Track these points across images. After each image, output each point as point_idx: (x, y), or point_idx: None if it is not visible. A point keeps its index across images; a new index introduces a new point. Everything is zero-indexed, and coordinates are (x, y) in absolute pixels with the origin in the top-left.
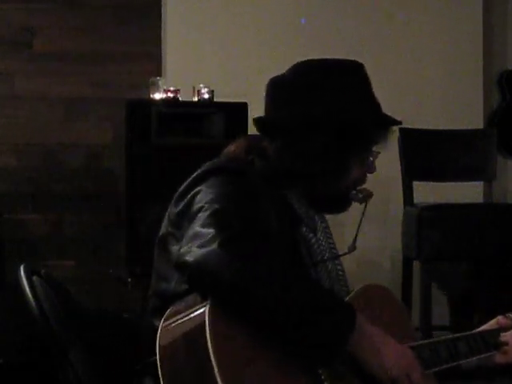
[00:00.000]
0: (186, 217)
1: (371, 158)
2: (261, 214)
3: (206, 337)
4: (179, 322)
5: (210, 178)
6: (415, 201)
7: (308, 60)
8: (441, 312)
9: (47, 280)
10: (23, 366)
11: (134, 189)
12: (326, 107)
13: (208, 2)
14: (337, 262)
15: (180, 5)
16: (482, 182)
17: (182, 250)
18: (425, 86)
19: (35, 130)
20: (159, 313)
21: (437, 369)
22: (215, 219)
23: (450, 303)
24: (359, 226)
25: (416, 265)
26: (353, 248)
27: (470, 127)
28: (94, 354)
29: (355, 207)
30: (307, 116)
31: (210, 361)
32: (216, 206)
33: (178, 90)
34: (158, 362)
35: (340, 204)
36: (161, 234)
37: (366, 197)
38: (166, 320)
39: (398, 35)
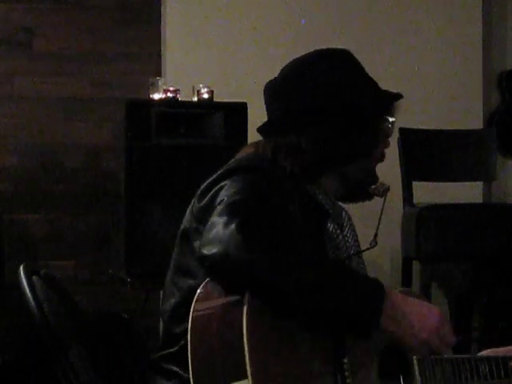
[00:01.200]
0: (209, 211)
1: (389, 127)
2: (284, 208)
3: (242, 324)
4: (213, 306)
5: (235, 174)
6: (415, 201)
7: (296, 58)
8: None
9: (47, 280)
10: (23, 365)
11: (134, 189)
12: (335, 91)
13: (208, 2)
14: (360, 260)
15: (180, 5)
16: (481, 182)
17: (202, 241)
18: (425, 85)
19: (35, 130)
20: (182, 310)
21: None
22: (231, 208)
23: (449, 303)
24: (379, 221)
25: (416, 265)
26: (374, 243)
27: (469, 127)
28: (93, 354)
29: (366, 203)
30: (319, 106)
31: (243, 346)
32: (236, 197)
33: (178, 90)
34: (189, 346)
35: (368, 189)
36: (183, 228)
37: (386, 190)
38: (197, 302)
39: (397, 35)
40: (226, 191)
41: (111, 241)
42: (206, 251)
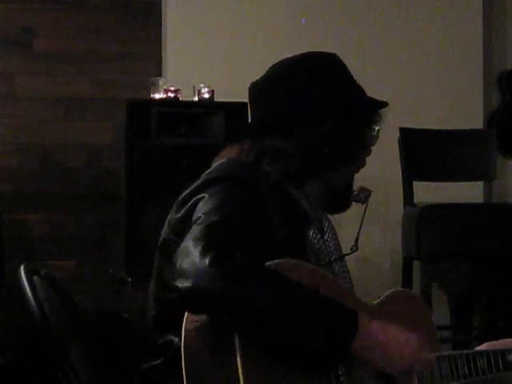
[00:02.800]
0: (187, 224)
1: (374, 135)
2: (261, 223)
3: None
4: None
5: (213, 185)
6: (415, 201)
7: (284, 59)
8: (441, 312)
9: (47, 280)
10: (23, 365)
11: (134, 189)
12: (321, 97)
13: (208, 2)
14: (343, 263)
15: (180, 5)
16: (482, 182)
17: (176, 268)
18: (425, 85)
19: (35, 130)
20: (164, 322)
21: (454, 382)
22: (207, 235)
23: (450, 303)
24: (361, 226)
25: (416, 265)
26: (355, 248)
27: (470, 127)
28: (93, 354)
29: (353, 208)
30: (307, 109)
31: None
32: (212, 218)
33: (179, 89)
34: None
35: (347, 198)
36: (162, 238)
37: (368, 196)
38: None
39: (397, 35)
40: (204, 205)
41: (111, 241)
42: (179, 284)
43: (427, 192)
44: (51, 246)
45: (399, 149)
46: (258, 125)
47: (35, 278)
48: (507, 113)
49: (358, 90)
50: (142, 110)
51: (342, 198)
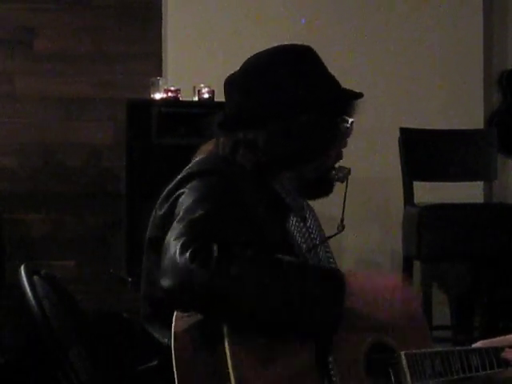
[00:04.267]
0: (168, 219)
1: (347, 127)
2: (241, 215)
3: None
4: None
5: (193, 180)
6: (416, 201)
7: (258, 53)
8: (441, 312)
9: (48, 280)
10: (23, 365)
11: (134, 189)
12: (295, 89)
13: (208, 2)
14: (326, 248)
15: (180, 5)
16: (482, 182)
17: (161, 265)
18: (425, 85)
19: (35, 130)
20: (153, 318)
21: (447, 379)
22: (187, 230)
23: (450, 303)
24: (344, 205)
25: (416, 265)
26: (342, 228)
27: (470, 127)
28: (93, 354)
29: (336, 192)
30: (281, 101)
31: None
32: (192, 213)
33: (179, 89)
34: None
35: (327, 185)
36: (148, 236)
37: (347, 174)
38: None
39: (398, 35)
40: (184, 200)
41: (112, 240)
42: (163, 283)
43: (427, 192)
44: (51, 246)
45: (399, 149)
46: (233, 118)
47: (35, 277)
48: (507, 113)
49: (332, 81)
50: (142, 110)
51: (318, 187)
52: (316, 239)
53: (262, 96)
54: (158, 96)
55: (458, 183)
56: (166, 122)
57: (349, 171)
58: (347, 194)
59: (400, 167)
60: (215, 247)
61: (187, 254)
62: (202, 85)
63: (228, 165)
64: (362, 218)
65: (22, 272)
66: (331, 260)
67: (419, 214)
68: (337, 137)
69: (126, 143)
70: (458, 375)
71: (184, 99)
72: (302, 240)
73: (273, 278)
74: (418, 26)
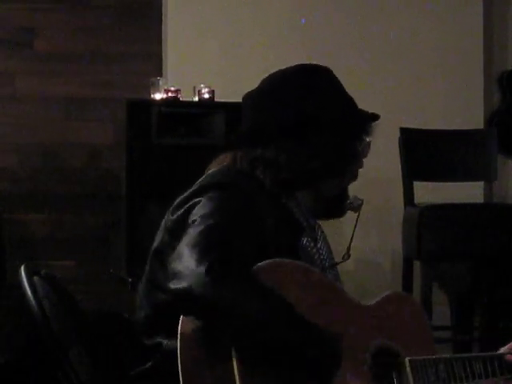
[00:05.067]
0: (181, 226)
1: (365, 147)
2: (256, 231)
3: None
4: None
5: (211, 190)
6: (416, 201)
7: (278, 70)
8: (441, 312)
9: (48, 280)
10: (23, 365)
11: (134, 189)
12: (315, 108)
13: (208, 2)
14: (334, 271)
15: (180, 5)
16: (482, 182)
17: (170, 270)
18: (425, 85)
19: (35, 130)
20: (153, 324)
21: None
22: (204, 238)
23: (450, 303)
24: (353, 235)
25: (416, 265)
26: (347, 256)
27: (470, 127)
28: (93, 354)
29: (347, 216)
30: (298, 121)
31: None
32: (209, 222)
33: (179, 89)
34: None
35: (340, 207)
36: (156, 245)
37: (360, 205)
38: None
39: (397, 35)
40: (200, 210)
41: (112, 241)
42: (172, 285)
43: (427, 192)
44: (51, 246)
45: (399, 149)
46: (251, 134)
47: (35, 278)
48: (507, 113)
49: (350, 103)
50: (142, 110)
51: (334, 206)
52: (326, 260)
53: (282, 114)
54: (158, 96)
55: (458, 183)
56: (165, 122)
57: (362, 202)
58: (357, 226)
59: (400, 167)
60: (232, 263)
61: (204, 266)
62: (202, 85)
63: (246, 179)
64: (362, 218)
65: (22, 272)
66: (338, 282)
67: (419, 214)
68: (355, 157)
69: (126, 143)
70: (462, 382)
71: (184, 99)
72: (312, 261)
73: (275, 321)
74: (418, 26)
